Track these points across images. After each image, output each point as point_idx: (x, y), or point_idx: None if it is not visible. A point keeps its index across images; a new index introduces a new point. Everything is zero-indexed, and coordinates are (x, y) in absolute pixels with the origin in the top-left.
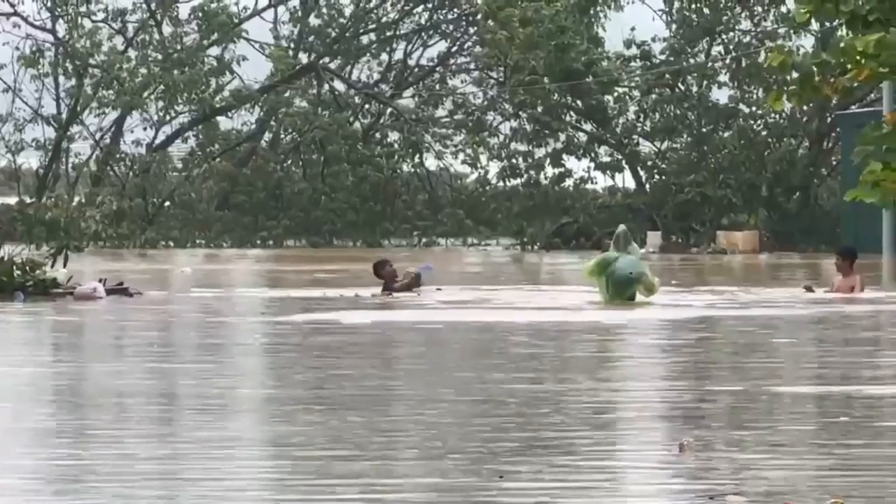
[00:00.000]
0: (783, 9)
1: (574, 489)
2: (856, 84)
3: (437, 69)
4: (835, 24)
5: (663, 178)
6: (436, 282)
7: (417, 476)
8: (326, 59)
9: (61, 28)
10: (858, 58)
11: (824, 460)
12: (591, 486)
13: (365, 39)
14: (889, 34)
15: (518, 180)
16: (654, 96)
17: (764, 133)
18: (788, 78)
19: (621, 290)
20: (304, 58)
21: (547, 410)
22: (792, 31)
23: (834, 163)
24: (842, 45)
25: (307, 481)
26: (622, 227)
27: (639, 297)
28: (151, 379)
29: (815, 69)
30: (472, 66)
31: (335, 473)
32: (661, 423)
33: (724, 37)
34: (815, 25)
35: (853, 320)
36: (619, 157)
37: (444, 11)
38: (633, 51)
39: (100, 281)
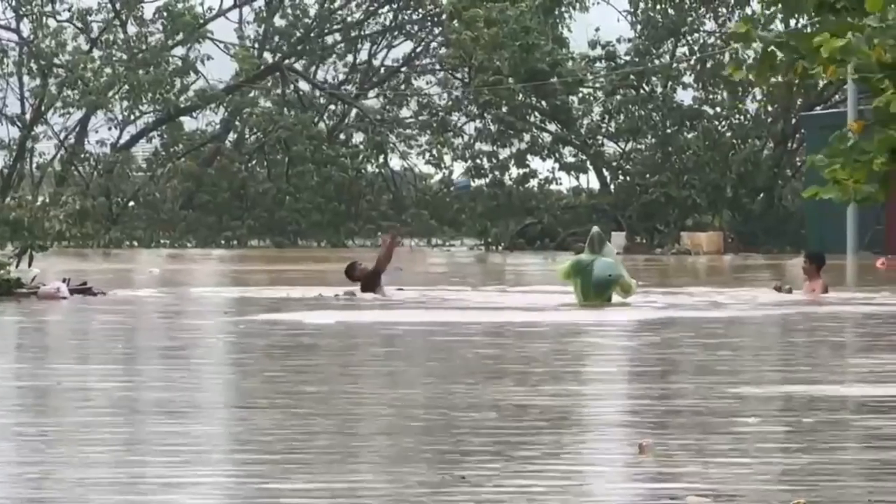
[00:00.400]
0: (748, 10)
1: (536, 491)
2: (822, 79)
3: (402, 70)
4: (800, 25)
5: (628, 178)
6: (400, 282)
7: (379, 479)
8: (291, 60)
9: (26, 27)
10: (815, 48)
11: (789, 462)
12: (553, 488)
13: (330, 40)
14: (854, 38)
15: (482, 181)
16: (618, 97)
17: (728, 134)
18: (749, 54)
19: (601, 291)
20: (268, 58)
21: (509, 412)
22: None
23: (798, 164)
24: (801, 33)
25: (264, 485)
26: (595, 228)
27: (615, 299)
28: (110, 379)
29: (775, 49)
30: (436, 66)
31: (294, 478)
32: (624, 424)
33: (688, 38)
34: (780, 26)
35: (818, 321)
36: (584, 157)
37: (409, 12)
38: (598, 51)
39: (63, 281)
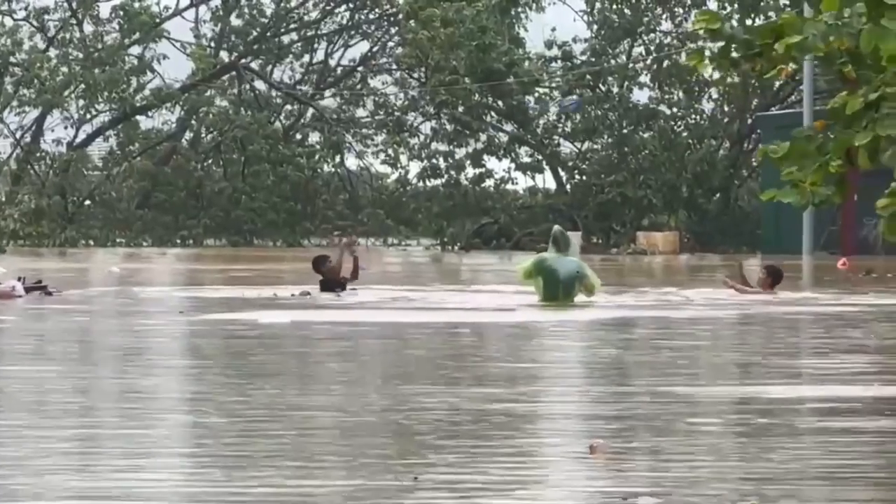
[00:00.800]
0: (704, 8)
1: (489, 493)
2: (778, 79)
3: (359, 69)
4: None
5: (584, 178)
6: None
7: (332, 479)
8: (248, 59)
9: None
10: (772, 40)
11: (742, 462)
12: (506, 489)
13: (286, 39)
14: (808, 37)
15: (438, 180)
16: (574, 97)
17: (684, 134)
18: (709, 47)
19: (568, 291)
20: (225, 57)
21: (464, 413)
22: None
23: (754, 164)
24: (758, 27)
25: (217, 487)
26: (557, 227)
27: (579, 298)
28: (64, 377)
29: (734, 44)
30: (393, 66)
31: (242, 480)
32: (579, 425)
33: (645, 38)
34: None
35: (775, 321)
36: (540, 157)
37: (365, 12)
38: (555, 51)
39: (19, 279)
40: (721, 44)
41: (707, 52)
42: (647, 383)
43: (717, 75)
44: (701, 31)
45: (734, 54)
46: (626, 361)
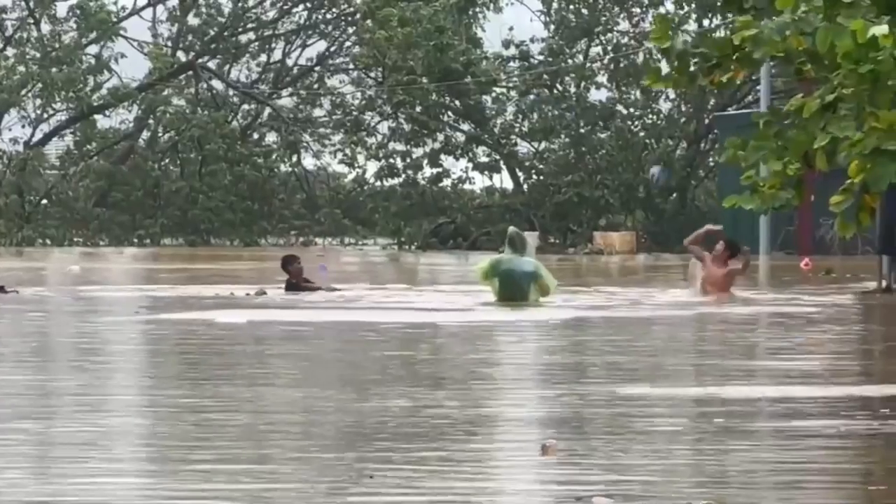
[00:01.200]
0: (661, 9)
1: (442, 494)
2: (737, 81)
3: (316, 69)
4: (713, 25)
5: (541, 178)
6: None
7: (282, 482)
8: (205, 59)
9: None
10: (731, 52)
11: (696, 462)
12: (459, 490)
13: (244, 39)
14: (765, 29)
15: (396, 180)
16: (532, 97)
17: (642, 134)
18: (666, 61)
19: (524, 291)
20: (182, 57)
21: (418, 414)
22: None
23: (711, 164)
24: (717, 39)
25: (176, 485)
26: (513, 228)
27: (535, 299)
28: (15, 377)
29: (691, 59)
30: (350, 66)
31: (201, 479)
32: (533, 425)
33: (602, 38)
34: (693, 25)
35: (732, 321)
36: (497, 157)
37: (322, 11)
38: (512, 51)
39: None
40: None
41: (664, 67)
42: (605, 382)
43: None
44: (665, 56)
45: (694, 67)
46: (582, 362)
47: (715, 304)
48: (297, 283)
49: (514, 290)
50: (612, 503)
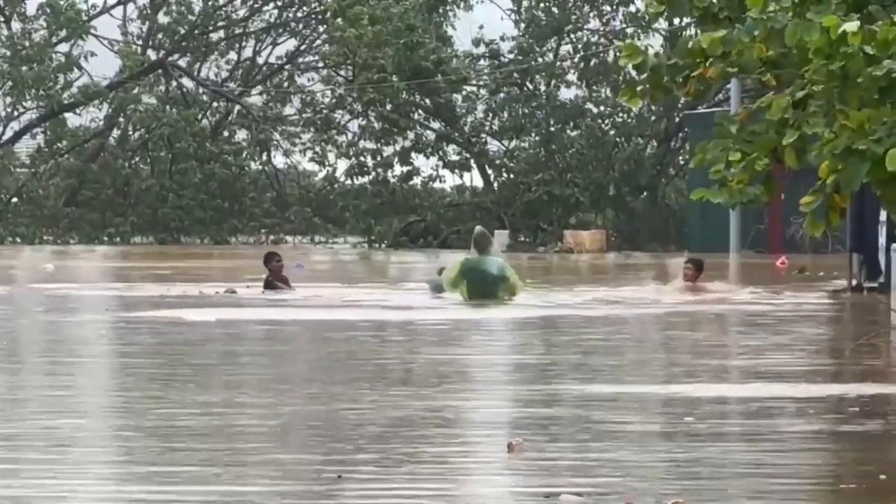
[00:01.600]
0: (632, 8)
1: (410, 493)
2: (710, 85)
3: (286, 67)
4: (683, 24)
5: (511, 176)
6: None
7: (253, 480)
8: (175, 57)
9: None
10: (702, 59)
11: (666, 461)
12: (427, 490)
13: (214, 37)
14: (736, 30)
15: (366, 178)
16: (502, 95)
17: (612, 132)
18: (639, 77)
19: (492, 290)
20: (152, 55)
21: (386, 413)
22: (640, 31)
23: (681, 162)
24: (689, 45)
25: (141, 487)
26: (479, 227)
27: (501, 297)
28: None
29: (664, 72)
30: (320, 64)
31: (169, 480)
32: (503, 424)
33: (572, 36)
34: (663, 24)
35: (701, 320)
36: (468, 155)
37: (293, 9)
38: (482, 50)
39: None
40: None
41: (637, 79)
42: (574, 381)
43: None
44: (626, 66)
45: (667, 80)
46: (552, 361)
47: (685, 303)
48: (272, 282)
49: (482, 290)
50: (582, 500)
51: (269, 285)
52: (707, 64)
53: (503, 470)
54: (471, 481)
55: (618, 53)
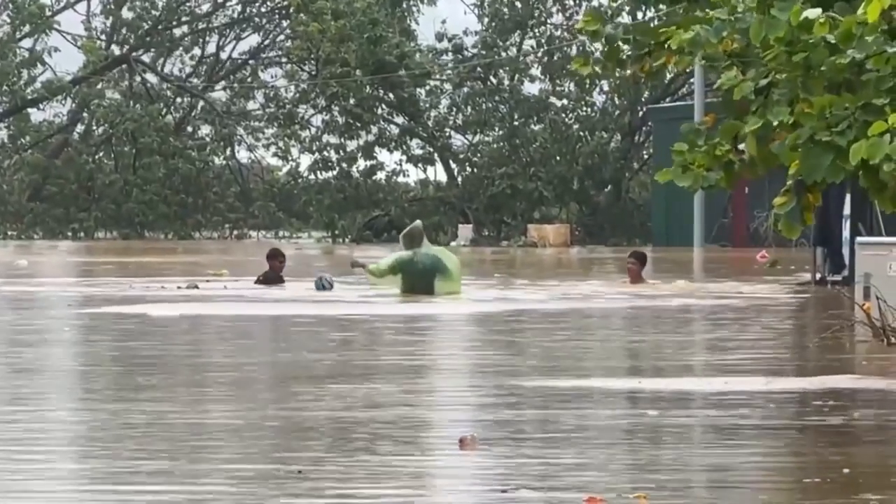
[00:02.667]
0: (594, 2)
1: (373, 488)
2: (669, 71)
3: (250, 62)
4: (646, 18)
5: (475, 171)
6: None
7: (212, 477)
8: (139, 52)
9: None
10: (663, 42)
11: (628, 456)
12: (387, 490)
13: (178, 32)
14: (700, 32)
15: (330, 173)
16: (465, 89)
17: (575, 126)
18: (596, 48)
19: (424, 284)
20: (116, 50)
21: (348, 411)
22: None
23: (645, 156)
24: (649, 27)
25: (103, 487)
26: (417, 223)
27: (440, 292)
28: None
29: (621, 45)
30: (283, 59)
31: (133, 480)
32: (462, 418)
33: (535, 30)
34: (626, 18)
35: (665, 314)
36: (431, 149)
37: (256, 4)
38: (445, 44)
39: None
40: (603, 44)
41: (596, 54)
42: (533, 375)
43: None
44: (588, 38)
45: (624, 55)
46: (514, 354)
47: (649, 298)
48: (270, 278)
49: (416, 283)
50: (541, 496)
51: (265, 281)
52: (668, 48)
53: (462, 466)
54: (434, 478)
55: (577, 26)
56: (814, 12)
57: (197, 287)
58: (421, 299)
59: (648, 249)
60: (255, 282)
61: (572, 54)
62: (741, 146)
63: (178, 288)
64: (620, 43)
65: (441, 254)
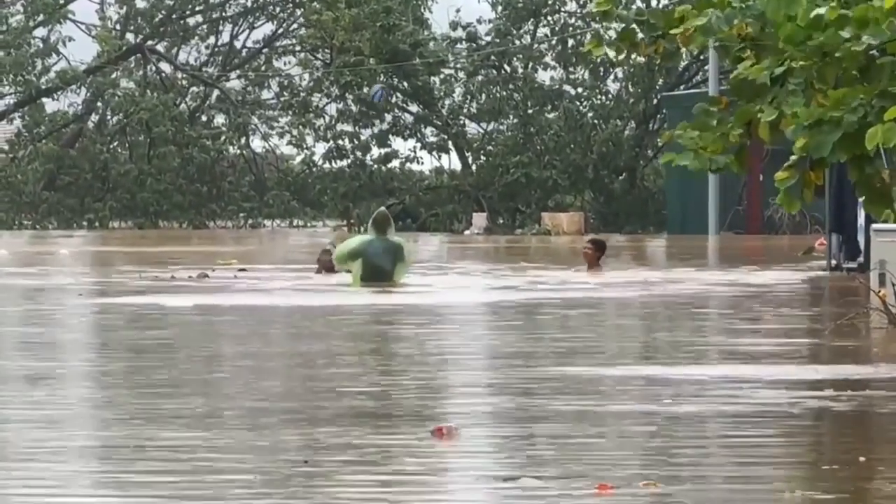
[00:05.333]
0: None
1: (378, 472)
2: (681, 50)
3: (263, 51)
4: (659, 5)
5: (489, 159)
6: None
7: (221, 464)
8: (153, 41)
9: None
10: (677, 23)
11: (641, 444)
12: (382, 485)
13: (192, 21)
14: (712, 17)
15: (344, 161)
16: (479, 78)
17: (590, 114)
18: (610, 28)
19: (383, 273)
20: (130, 39)
21: (338, 399)
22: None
23: (660, 144)
24: (663, 10)
25: (117, 476)
26: (383, 209)
27: (398, 278)
28: None
29: (636, 27)
30: (297, 47)
31: (145, 471)
32: (484, 407)
33: (549, 18)
34: (640, 3)
35: (676, 301)
36: (446, 138)
37: None
38: (459, 32)
39: None
40: (621, 26)
41: (609, 36)
42: (549, 361)
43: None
44: (600, 20)
45: (637, 37)
46: (528, 342)
47: (663, 284)
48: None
49: (378, 272)
50: (541, 484)
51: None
52: (683, 31)
53: (459, 450)
54: (427, 464)
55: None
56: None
57: (207, 276)
58: (371, 286)
59: (663, 237)
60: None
61: (586, 42)
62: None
63: (189, 277)
64: (634, 26)
65: (402, 243)
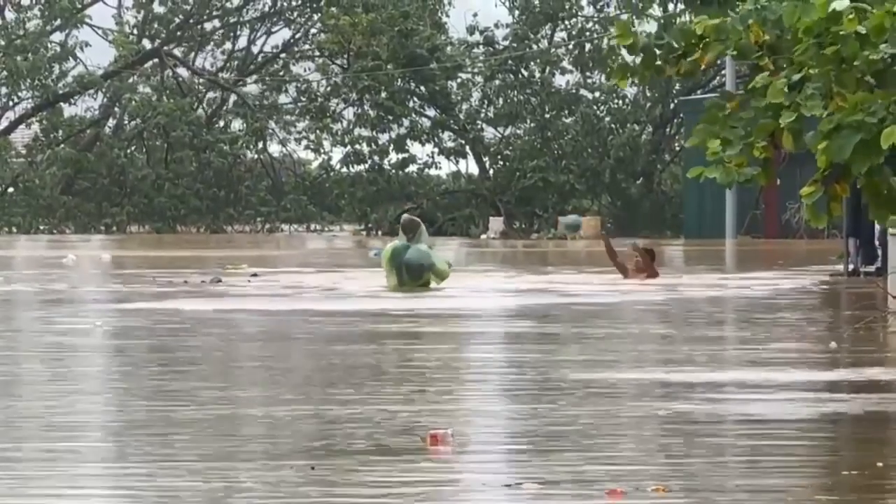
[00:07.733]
0: None
1: (380, 483)
2: (702, 67)
3: (281, 56)
4: (678, 10)
5: (506, 163)
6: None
7: (230, 471)
8: (170, 46)
9: None
10: (697, 41)
11: (658, 449)
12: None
13: (209, 26)
14: (727, 19)
15: (362, 166)
16: (497, 82)
17: (607, 119)
18: (631, 57)
19: (415, 277)
20: (147, 44)
21: (348, 405)
22: (634, 17)
23: (677, 148)
24: (682, 28)
25: (140, 482)
26: (406, 215)
27: (433, 284)
28: None
29: (657, 51)
30: (315, 52)
31: (170, 474)
32: (494, 415)
33: (566, 23)
34: (657, 10)
35: (693, 306)
36: (463, 142)
37: None
38: (477, 37)
39: None
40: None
41: (627, 58)
42: (569, 363)
43: (640, 83)
44: (626, 51)
45: (658, 62)
46: (547, 346)
47: (674, 290)
48: None
49: (412, 276)
50: (542, 489)
51: None
52: (702, 47)
53: (458, 457)
54: (424, 469)
55: (610, 40)
56: (841, 4)
57: (220, 281)
58: (407, 291)
59: (681, 241)
60: None
61: (603, 46)
62: None
63: (202, 282)
64: (656, 50)
65: (429, 250)
